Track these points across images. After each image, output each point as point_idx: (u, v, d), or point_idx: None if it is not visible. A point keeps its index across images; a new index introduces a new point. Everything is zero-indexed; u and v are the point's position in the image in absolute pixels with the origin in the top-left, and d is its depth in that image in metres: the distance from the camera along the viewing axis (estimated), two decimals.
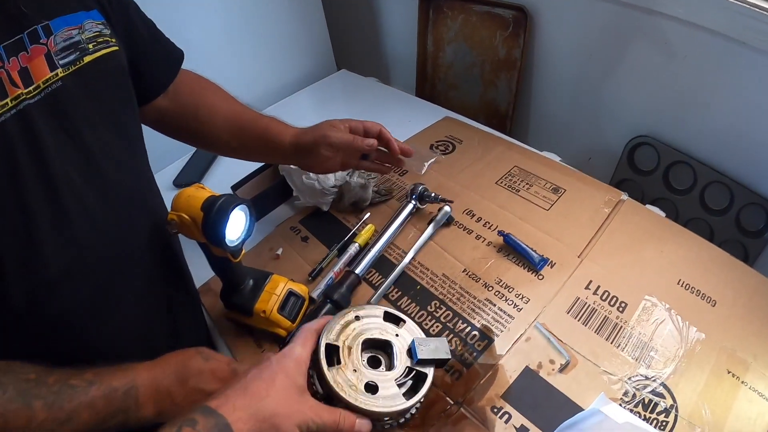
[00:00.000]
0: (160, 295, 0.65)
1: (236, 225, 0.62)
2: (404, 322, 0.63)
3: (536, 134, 1.19)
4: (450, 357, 0.58)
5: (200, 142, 0.78)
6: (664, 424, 0.60)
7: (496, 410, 0.61)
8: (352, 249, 0.81)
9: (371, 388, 0.56)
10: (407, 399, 0.56)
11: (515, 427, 0.60)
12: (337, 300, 0.72)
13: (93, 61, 0.51)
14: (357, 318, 0.64)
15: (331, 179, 0.89)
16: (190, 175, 1.10)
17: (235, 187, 0.95)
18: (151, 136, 1.19)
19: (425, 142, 1.03)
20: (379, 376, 0.58)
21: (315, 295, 0.76)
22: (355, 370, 0.57)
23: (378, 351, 0.62)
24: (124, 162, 0.57)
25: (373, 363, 0.61)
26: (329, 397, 0.54)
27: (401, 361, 0.59)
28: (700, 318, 0.69)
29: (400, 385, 0.57)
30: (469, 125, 1.07)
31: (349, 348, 0.59)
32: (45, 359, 0.47)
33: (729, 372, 0.64)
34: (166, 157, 1.15)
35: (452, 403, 0.63)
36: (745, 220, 0.94)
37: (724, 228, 0.98)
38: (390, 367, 0.59)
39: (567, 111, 1.15)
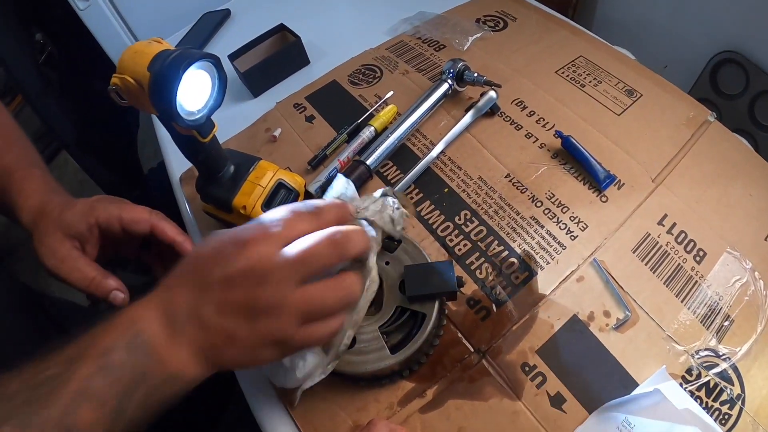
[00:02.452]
0: None
1: (195, 90, 0.38)
2: (399, 242, 0.41)
3: (602, 28, 0.85)
4: (456, 289, 0.37)
5: None
6: (726, 417, 0.40)
7: (527, 369, 0.40)
8: (366, 133, 0.54)
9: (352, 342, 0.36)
10: (393, 353, 0.36)
11: (549, 394, 0.39)
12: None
13: None
14: None
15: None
16: (192, 43, 0.81)
17: (232, 56, 0.66)
18: (147, 7, 0.92)
19: (470, 15, 0.71)
20: (365, 321, 0.37)
21: (312, 189, 0.50)
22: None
23: None
24: None
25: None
26: None
27: (391, 299, 0.38)
28: None
29: (388, 333, 0.37)
30: (526, 2, 0.73)
31: None
32: None
33: None
34: (167, 25, 0.88)
35: (473, 350, 0.40)
36: None
37: None
38: (378, 309, 0.38)
39: (643, 8, 0.80)
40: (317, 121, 0.59)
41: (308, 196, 0.50)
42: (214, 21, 0.84)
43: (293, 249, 0.28)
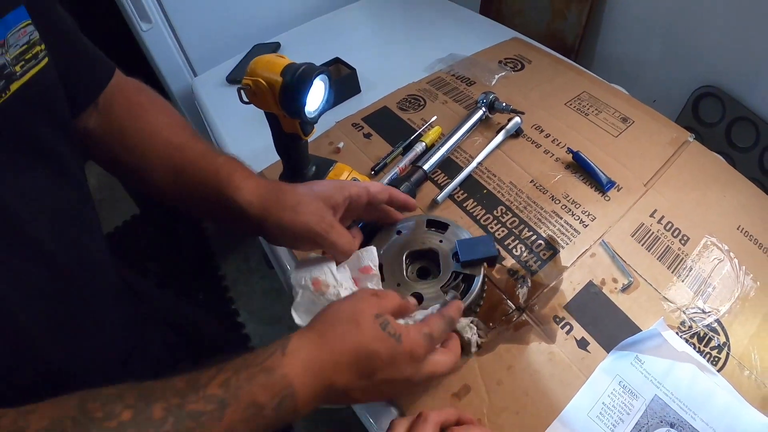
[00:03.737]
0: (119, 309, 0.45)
1: (316, 95, 0.49)
2: (448, 226, 0.52)
3: (601, 71, 1.01)
4: (496, 253, 0.48)
5: (135, 182, 0.46)
6: (716, 359, 0.51)
7: (557, 320, 0.52)
8: (419, 147, 0.68)
9: (418, 297, 0.47)
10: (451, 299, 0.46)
11: (576, 338, 0.50)
12: (403, 192, 0.60)
13: (23, 86, 0.32)
14: (398, 232, 0.53)
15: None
16: (243, 73, 0.94)
17: None
18: (203, 35, 1.05)
19: (494, 57, 0.86)
20: (424, 285, 0.48)
21: None
22: (398, 284, 0.48)
23: (426, 261, 0.52)
24: (61, 193, 0.37)
25: (423, 274, 0.51)
26: None
27: (447, 267, 0.49)
28: (756, 266, 0.58)
29: (447, 291, 0.48)
30: (539, 48, 0.89)
31: (391, 264, 0.50)
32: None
33: None
34: (220, 54, 0.99)
35: (514, 308, 0.53)
36: None
37: None
38: (436, 275, 0.50)
39: (635, 51, 0.97)
40: (374, 137, 0.73)
41: None
42: (265, 52, 0.92)
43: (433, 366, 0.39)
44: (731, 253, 0.59)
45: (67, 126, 0.38)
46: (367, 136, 0.74)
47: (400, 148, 0.69)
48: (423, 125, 0.73)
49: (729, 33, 0.83)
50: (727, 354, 0.51)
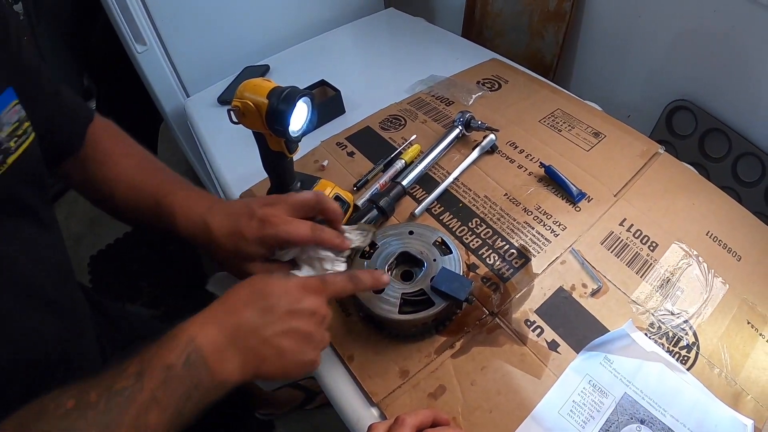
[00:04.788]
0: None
1: (299, 115, 0.54)
2: (452, 253, 0.56)
3: (578, 88, 1.08)
4: (463, 299, 0.51)
5: (108, 212, 0.54)
6: (686, 359, 0.54)
7: (529, 323, 0.55)
8: (398, 164, 0.73)
9: (378, 289, 0.52)
10: (400, 313, 0.51)
11: (546, 341, 0.54)
12: (382, 206, 0.64)
13: (17, 159, 0.37)
14: (410, 233, 0.58)
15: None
16: (233, 94, 0.99)
17: None
18: (196, 57, 1.10)
19: (472, 78, 0.92)
20: (392, 284, 0.53)
21: (360, 203, 0.68)
22: (377, 268, 0.54)
23: (414, 268, 0.56)
24: (45, 258, 0.42)
25: (406, 276, 0.56)
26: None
27: (420, 281, 0.54)
28: (725, 269, 0.62)
29: (406, 301, 0.52)
30: (516, 68, 0.95)
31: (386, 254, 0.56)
32: None
33: (749, 323, 0.58)
34: (211, 75, 1.05)
35: (488, 312, 0.57)
36: None
37: (753, 200, 0.88)
38: (407, 280, 0.54)
39: (611, 68, 1.03)
40: (357, 155, 0.77)
41: (356, 208, 0.68)
42: (255, 74, 1.00)
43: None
44: (700, 258, 0.63)
45: (45, 188, 0.43)
46: (351, 154, 0.78)
47: (381, 165, 0.74)
48: (403, 143, 0.78)
49: (699, 49, 0.88)
50: (697, 353, 0.54)
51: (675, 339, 0.55)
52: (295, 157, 0.60)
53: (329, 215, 0.50)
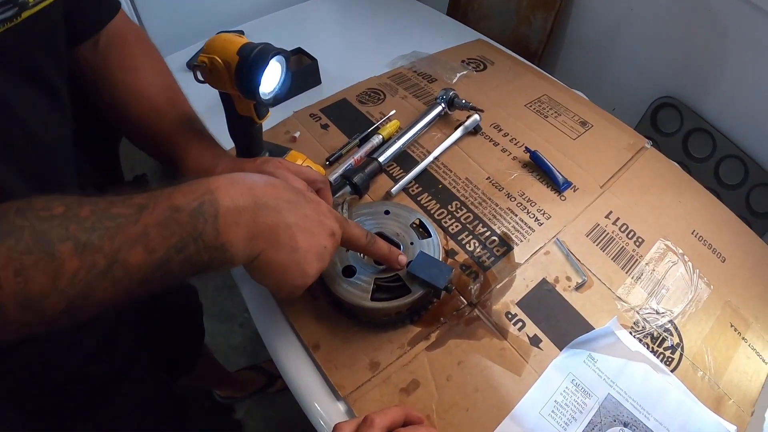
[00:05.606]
0: None
1: (272, 76, 0.48)
2: (431, 236, 0.51)
3: (562, 78, 1.05)
4: (442, 288, 0.46)
5: (109, 118, 0.52)
6: (670, 360, 0.52)
7: (510, 316, 0.51)
8: (375, 140, 0.68)
9: (349, 272, 0.48)
10: (372, 300, 0.46)
11: (528, 335, 0.50)
12: (356, 183, 0.59)
13: (33, 15, 0.35)
14: (386, 212, 0.53)
15: None
16: None
17: None
18: (168, 21, 1.04)
19: (456, 57, 0.88)
20: (365, 267, 0.49)
21: (332, 178, 0.63)
22: (347, 251, 0.49)
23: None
24: (52, 121, 0.41)
25: (378, 261, 0.50)
26: None
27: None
28: (709, 270, 0.60)
29: (379, 287, 0.47)
30: (502, 50, 0.92)
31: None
32: None
33: (732, 326, 0.56)
34: (184, 39, 0.97)
35: (466, 303, 0.52)
36: (755, 199, 0.84)
37: (734, 203, 0.88)
38: (386, 268, 0.49)
39: (597, 60, 1.01)
40: (331, 129, 0.72)
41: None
42: None
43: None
44: (685, 257, 0.61)
45: (62, 60, 0.42)
46: (325, 126, 0.72)
47: (357, 140, 0.68)
48: (381, 119, 0.73)
49: (690, 46, 0.87)
50: (681, 355, 0.52)
51: (660, 339, 0.53)
52: (265, 126, 0.54)
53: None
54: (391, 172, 0.65)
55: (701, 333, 0.55)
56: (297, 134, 0.70)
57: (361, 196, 0.60)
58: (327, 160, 0.66)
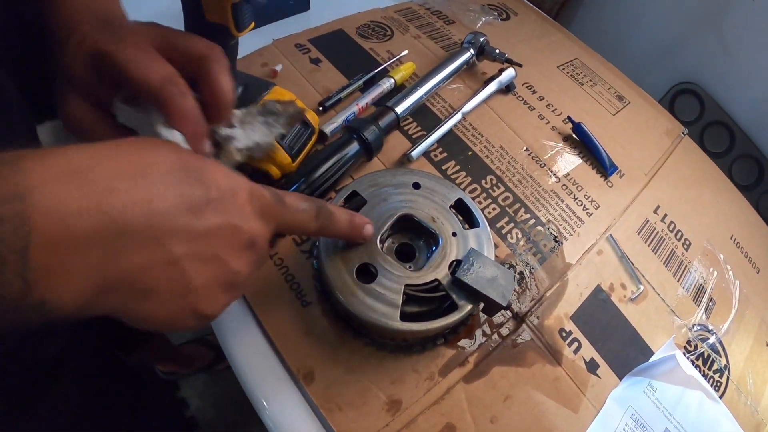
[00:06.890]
0: None
1: None
2: (479, 225, 0.38)
3: None
4: (504, 304, 0.33)
5: None
6: (718, 384, 0.45)
7: (564, 334, 0.40)
8: (386, 85, 0.52)
9: (366, 274, 0.34)
10: (403, 318, 0.32)
11: (585, 359, 0.40)
12: (367, 138, 0.44)
13: None
14: (416, 186, 0.38)
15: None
16: None
17: None
18: None
19: (476, 0, 0.73)
20: (388, 266, 0.34)
21: (328, 130, 0.47)
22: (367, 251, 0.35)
23: (418, 241, 0.38)
24: None
25: (402, 255, 0.37)
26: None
27: (436, 267, 0.35)
28: (747, 281, 0.54)
29: (409, 296, 0.33)
30: (524, 2, 0.78)
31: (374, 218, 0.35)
32: None
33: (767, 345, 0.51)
34: None
35: (510, 315, 0.40)
36: (764, 204, 0.79)
37: None
38: (418, 268, 0.35)
39: (617, 32, 0.90)
40: (324, 65, 0.55)
41: (322, 136, 0.47)
42: None
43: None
44: (727, 265, 0.54)
45: None
46: (316, 61, 0.55)
47: (360, 82, 0.53)
48: (390, 59, 0.57)
49: (721, 27, 0.79)
50: (728, 378, 0.46)
51: (710, 361, 0.46)
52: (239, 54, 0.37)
53: (216, 87, 0.29)
54: (407, 129, 0.50)
55: (743, 353, 0.49)
56: (279, 67, 0.53)
57: (370, 158, 0.45)
58: (320, 104, 0.50)
